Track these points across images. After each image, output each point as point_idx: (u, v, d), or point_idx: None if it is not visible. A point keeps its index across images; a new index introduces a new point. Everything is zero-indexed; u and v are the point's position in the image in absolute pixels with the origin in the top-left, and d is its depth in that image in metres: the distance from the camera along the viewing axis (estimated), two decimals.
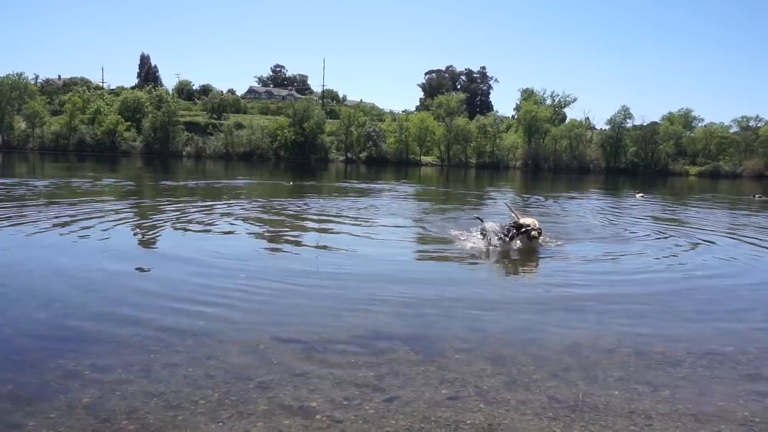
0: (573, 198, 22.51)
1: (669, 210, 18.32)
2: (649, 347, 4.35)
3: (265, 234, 9.62)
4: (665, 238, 10.44)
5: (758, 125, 66.55)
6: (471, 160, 63.36)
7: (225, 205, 13.18)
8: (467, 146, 63.58)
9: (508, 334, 4.57)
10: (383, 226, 10.70)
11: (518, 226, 8.35)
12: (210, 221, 10.42)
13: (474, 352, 4.09)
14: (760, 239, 10.68)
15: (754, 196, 25.43)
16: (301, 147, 60.54)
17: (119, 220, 10.04)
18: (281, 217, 11.50)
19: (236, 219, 10.82)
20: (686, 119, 70.38)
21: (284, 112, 66.21)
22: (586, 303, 5.54)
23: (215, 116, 67.30)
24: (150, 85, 67.60)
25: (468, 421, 3.05)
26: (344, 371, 3.67)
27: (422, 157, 63.83)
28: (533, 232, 8.14)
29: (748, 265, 7.97)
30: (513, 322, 5.00)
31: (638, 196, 23.02)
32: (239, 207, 12.99)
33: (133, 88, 74.36)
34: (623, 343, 4.44)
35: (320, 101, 78.96)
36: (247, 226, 10.11)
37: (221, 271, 6.47)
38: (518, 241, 8.33)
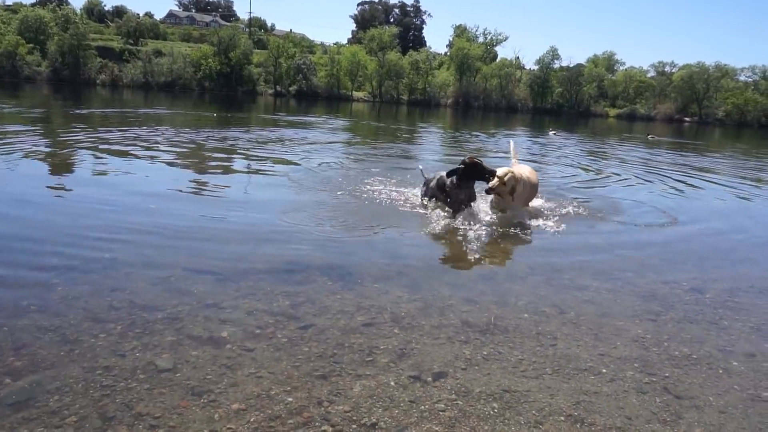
0: (496, 134, 22.96)
1: (579, 146, 19.10)
2: (560, 274, 4.55)
3: (184, 166, 9.13)
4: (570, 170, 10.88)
5: (673, 71, 69.92)
6: (403, 96, 62.75)
7: (143, 136, 12.33)
8: (399, 82, 62.68)
9: (426, 264, 4.62)
10: (310, 158, 10.43)
11: (470, 171, 5.78)
12: (126, 151, 9.74)
13: (392, 281, 4.11)
14: (638, 173, 11.43)
15: (648, 136, 27.89)
16: (227, 78, 57.31)
17: (26, 149, 9.17)
18: (202, 150, 10.94)
19: (154, 150, 10.17)
20: (609, 62, 72.63)
21: (208, 40, 61.82)
22: (504, 236, 5.69)
23: (131, 42, 62.02)
24: (54, 3, 60.85)
25: (381, 347, 3.07)
26: (259, 301, 3.58)
27: (354, 92, 62.45)
28: (492, 181, 5.77)
29: (636, 190, 8.52)
30: (433, 253, 5.07)
31: (551, 133, 24.84)
32: (158, 138, 12.20)
33: (33, 5, 66.71)
34: (536, 272, 4.63)
35: (247, 30, 74.51)
36: (165, 157, 9.54)
37: (134, 203, 6.09)
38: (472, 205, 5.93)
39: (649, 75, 70.86)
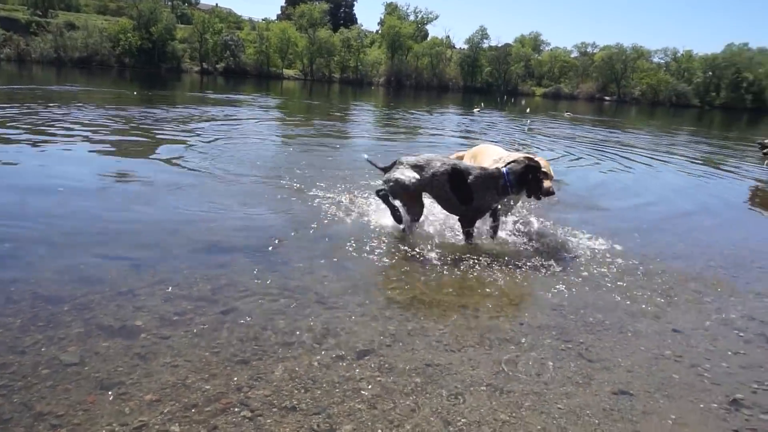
0: (431, 112, 23.17)
1: (513, 125, 19.66)
2: (480, 252, 4.66)
3: (96, 148, 8.56)
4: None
5: (594, 51, 73.03)
6: (335, 74, 61.96)
7: (55, 114, 11.44)
8: (331, 60, 61.80)
9: (352, 244, 4.59)
10: (239, 135, 10.08)
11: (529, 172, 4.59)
12: (35, 129, 9.01)
13: (317, 261, 4.05)
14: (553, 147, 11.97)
15: (565, 113, 30.45)
16: (148, 54, 54.20)
17: None
18: (122, 127, 10.30)
19: (66, 129, 9.47)
20: (535, 42, 74.92)
21: (126, 12, 58.00)
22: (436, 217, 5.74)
23: (39, 13, 57.33)
24: None
25: (305, 328, 3.02)
26: (177, 286, 3.42)
27: (284, 70, 60.96)
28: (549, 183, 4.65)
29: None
30: (360, 232, 5.03)
31: (476, 110, 25.88)
32: (72, 116, 11.37)
33: None
34: (458, 250, 4.71)
35: (169, 3, 70.71)
36: (79, 135, 8.90)
37: (41, 185, 5.66)
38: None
39: (572, 55, 73.69)
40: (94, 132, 9.47)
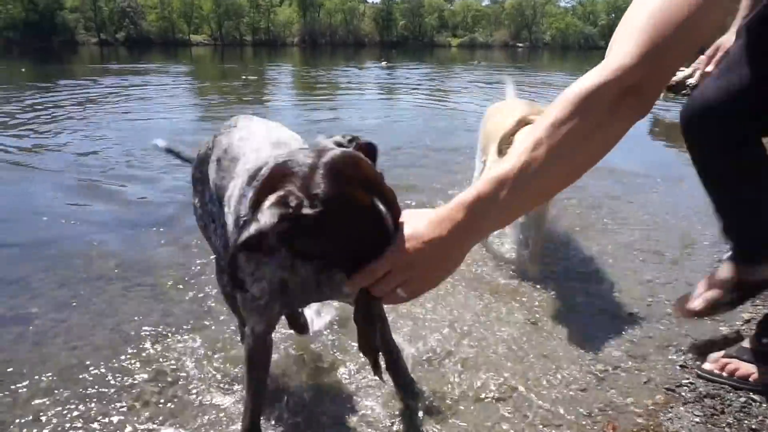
0: (361, 67, 22.80)
1: (433, 76, 19.74)
2: None
3: None
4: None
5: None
6: (246, 37, 59.59)
7: None
8: (240, 22, 59.24)
9: None
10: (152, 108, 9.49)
11: None
12: None
13: None
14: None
15: (475, 62, 31.13)
16: (36, 27, 49.60)
17: None
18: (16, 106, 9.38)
19: None
20: None
21: None
22: None
23: None
24: None
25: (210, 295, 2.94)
26: (72, 270, 3.23)
27: (191, 36, 57.80)
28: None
29: None
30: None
31: (383, 63, 26.02)
32: None
33: None
34: None
35: None
36: None
37: None
38: None
39: (484, 4, 74.67)
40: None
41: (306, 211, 1.06)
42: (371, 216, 1.09)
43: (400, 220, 1.12)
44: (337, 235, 1.10)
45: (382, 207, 1.11)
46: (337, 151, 1.15)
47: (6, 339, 2.50)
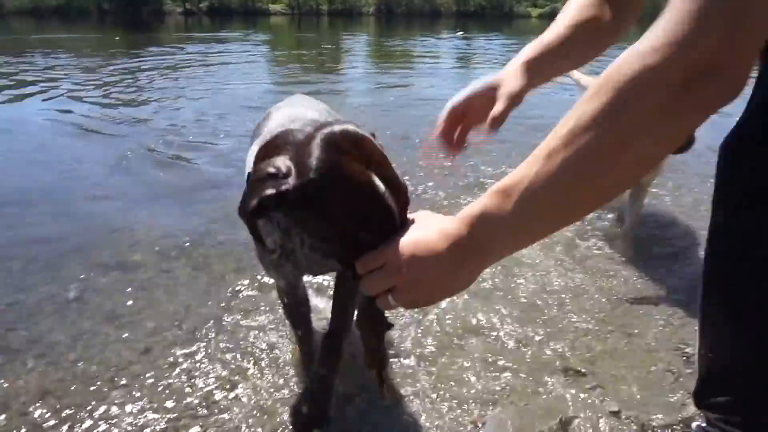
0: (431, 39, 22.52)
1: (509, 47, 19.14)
2: None
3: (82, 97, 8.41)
4: None
5: None
6: (323, 7, 59.85)
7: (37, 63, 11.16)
8: None
9: None
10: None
11: None
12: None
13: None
14: None
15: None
16: None
17: None
18: (101, 79, 10.04)
19: (46, 81, 9.28)
20: None
21: None
22: None
23: None
24: None
25: None
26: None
27: (270, 5, 58.86)
28: None
29: None
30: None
31: (459, 33, 25.60)
32: (58, 64, 11.08)
33: None
34: None
35: None
36: (64, 87, 8.72)
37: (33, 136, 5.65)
38: None
39: None
40: (75, 80, 9.28)
41: (291, 180, 1.02)
42: (368, 195, 1.00)
43: (413, 217, 0.99)
44: (328, 209, 1.01)
45: (381, 186, 1.01)
46: (342, 125, 1.08)
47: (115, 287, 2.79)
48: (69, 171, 4.54)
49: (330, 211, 1.01)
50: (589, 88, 0.79)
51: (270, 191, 1.01)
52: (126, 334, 2.36)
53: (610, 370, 2.13)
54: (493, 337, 2.33)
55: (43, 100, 7.37)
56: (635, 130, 0.75)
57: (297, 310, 1.86)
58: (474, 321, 2.42)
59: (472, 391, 2.00)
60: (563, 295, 2.67)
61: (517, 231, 0.87)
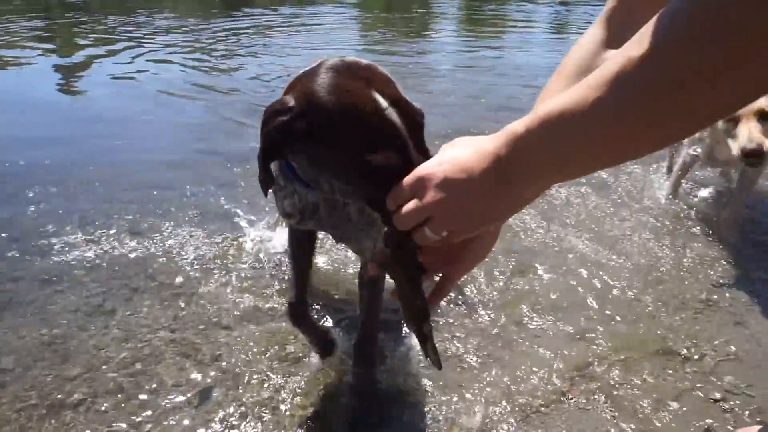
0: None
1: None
2: None
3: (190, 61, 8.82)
4: None
5: None
6: None
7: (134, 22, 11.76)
8: None
9: None
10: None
11: None
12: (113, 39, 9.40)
13: None
14: None
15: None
16: None
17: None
18: (200, 42, 10.41)
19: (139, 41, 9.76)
20: None
21: None
22: None
23: None
24: None
25: None
26: None
27: None
28: None
29: None
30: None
31: (557, 2, 23.58)
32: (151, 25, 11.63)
33: None
34: None
35: None
36: (171, 50, 9.18)
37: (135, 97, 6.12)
38: None
39: None
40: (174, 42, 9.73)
41: (295, 109, 1.03)
42: (370, 110, 0.98)
43: (445, 146, 0.90)
44: (335, 135, 1.00)
45: (383, 102, 0.98)
46: (349, 57, 1.09)
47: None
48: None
49: (337, 137, 0.99)
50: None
51: (275, 124, 1.03)
52: None
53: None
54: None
55: (146, 60, 7.86)
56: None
57: (299, 247, 1.86)
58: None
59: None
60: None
61: (559, 160, 0.76)
